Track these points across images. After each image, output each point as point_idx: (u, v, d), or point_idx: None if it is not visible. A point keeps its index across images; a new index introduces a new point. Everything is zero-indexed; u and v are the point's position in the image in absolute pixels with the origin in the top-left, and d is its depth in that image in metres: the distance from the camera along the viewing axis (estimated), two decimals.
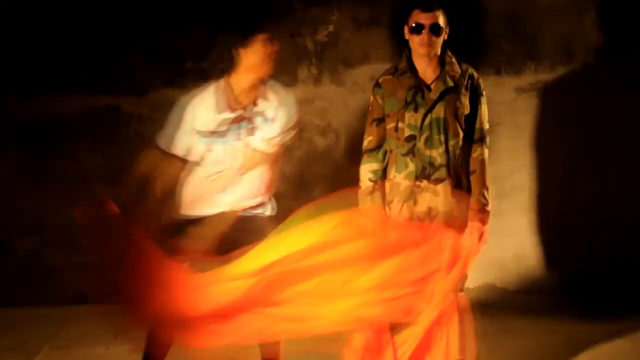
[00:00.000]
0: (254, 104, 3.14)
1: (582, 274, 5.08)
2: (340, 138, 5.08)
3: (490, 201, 3.35)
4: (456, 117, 3.28)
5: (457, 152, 3.30)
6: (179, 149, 3.18)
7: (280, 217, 5.04)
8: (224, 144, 3.17)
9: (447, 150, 3.28)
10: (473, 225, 3.33)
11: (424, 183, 3.29)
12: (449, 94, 3.28)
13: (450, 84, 3.27)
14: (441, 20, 3.24)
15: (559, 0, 5.02)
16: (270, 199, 3.44)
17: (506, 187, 4.97)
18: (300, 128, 5.01)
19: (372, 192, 3.35)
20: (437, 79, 3.29)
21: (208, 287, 2.97)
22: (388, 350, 3.13)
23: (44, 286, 4.90)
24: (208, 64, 4.96)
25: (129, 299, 2.96)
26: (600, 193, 5.08)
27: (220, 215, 3.24)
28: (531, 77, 5.06)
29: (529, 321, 4.55)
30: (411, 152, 3.28)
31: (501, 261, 5.09)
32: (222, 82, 3.18)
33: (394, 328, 3.16)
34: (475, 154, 3.34)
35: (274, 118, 3.20)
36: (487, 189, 3.34)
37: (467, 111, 3.31)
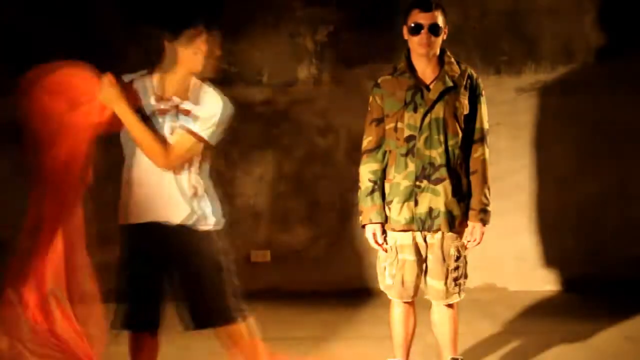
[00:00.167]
0: (181, 99, 3.07)
1: (582, 273, 5.09)
2: (340, 138, 5.08)
3: (490, 201, 3.36)
4: (455, 117, 3.28)
5: (457, 152, 3.30)
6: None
7: (280, 217, 5.12)
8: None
9: (446, 150, 3.28)
10: (474, 226, 3.34)
11: (424, 183, 3.29)
12: (449, 94, 3.27)
13: (450, 84, 3.27)
14: (440, 20, 3.23)
15: (559, 0, 5.03)
16: (196, 212, 3.16)
17: (506, 187, 4.97)
18: (300, 128, 5.08)
19: (371, 192, 3.35)
20: (436, 79, 3.29)
21: None
22: None
23: None
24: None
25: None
26: (600, 193, 5.08)
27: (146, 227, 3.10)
28: (531, 77, 5.06)
29: (529, 321, 4.55)
30: (411, 152, 3.28)
31: (501, 261, 5.09)
32: (155, 72, 3.12)
33: None
34: (476, 154, 3.34)
35: (198, 116, 3.07)
36: (488, 189, 3.34)
37: (466, 111, 3.31)
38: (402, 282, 3.37)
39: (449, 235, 3.33)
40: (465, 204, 3.34)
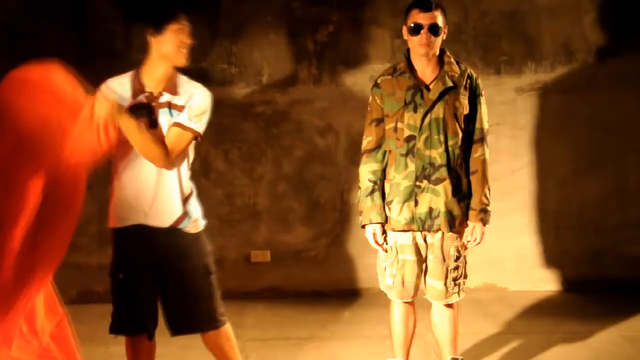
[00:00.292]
0: (161, 93, 3.07)
1: (582, 273, 5.09)
2: (340, 138, 5.08)
3: (490, 201, 3.36)
4: (455, 117, 3.28)
5: (457, 152, 3.30)
6: None
7: (280, 217, 5.12)
8: None
9: (446, 150, 3.28)
10: (474, 226, 3.34)
11: (424, 183, 3.29)
12: (448, 94, 3.27)
13: (450, 84, 3.27)
14: (440, 20, 3.23)
15: (559, 0, 5.02)
16: (188, 214, 3.14)
17: (506, 187, 4.98)
18: (300, 128, 5.08)
19: (371, 192, 3.35)
20: (436, 79, 3.29)
21: None
22: None
23: None
24: (208, 63, 4.98)
25: None
26: (600, 193, 5.08)
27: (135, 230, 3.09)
28: (531, 77, 5.06)
29: (529, 321, 4.55)
30: (411, 152, 3.28)
31: (501, 261, 5.09)
32: (141, 69, 3.09)
33: None
34: (476, 154, 3.34)
35: (183, 106, 3.06)
36: (488, 189, 3.35)
37: (466, 111, 3.31)
38: (402, 282, 3.37)
39: (449, 235, 3.33)
40: (465, 204, 3.34)
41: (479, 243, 3.37)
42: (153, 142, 2.99)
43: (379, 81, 3.37)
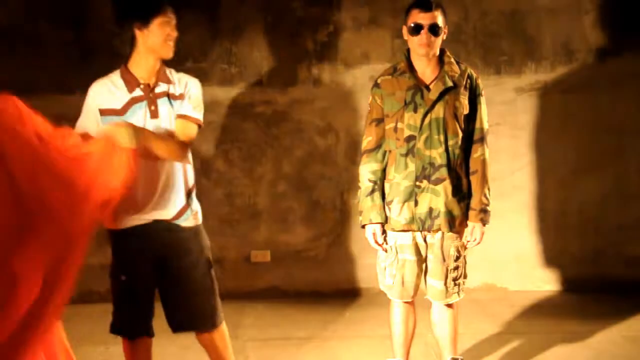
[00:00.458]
0: (157, 84, 3.08)
1: (582, 273, 5.08)
2: (340, 138, 5.08)
3: (490, 201, 3.36)
4: (455, 117, 3.28)
5: (457, 152, 3.30)
6: (77, 130, 3.03)
7: (280, 217, 5.12)
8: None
9: (447, 150, 3.28)
10: (474, 226, 3.34)
11: (424, 183, 3.29)
12: (448, 94, 3.27)
13: (450, 84, 3.27)
14: (440, 20, 3.23)
15: (559, 0, 5.02)
16: (190, 206, 3.16)
17: (506, 187, 4.98)
18: (300, 128, 5.08)
19: (371, 192, 3.35)
20: (436, 79, 3.29)
21: None
22: None
23: None
24: (208, 63, 4.98)
25: None
26: (600, 193, 5.08)
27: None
28: (531, 77, 5.06)
29: (529, 321, 4.55)
30: (411, 152, 3.28)
31: (501, 261, 5.09)
32: (130, 64, 3.08)
33: None
34: (476, 154, 3.34)
35: (182, 95, 3.09)
36: (488, 189, 3.35)
37: (466, 111, 3.31)
38: (402, 282, 3.37)
39: (449, 235, 3.33)
40: (465, 204, 3.34)
41: (478, 243, 3.37)
42: (174, 143, 3.03)
43: (379, 81, 3.37)
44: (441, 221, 3.29)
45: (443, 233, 3.32)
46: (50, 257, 2.62)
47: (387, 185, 3.35)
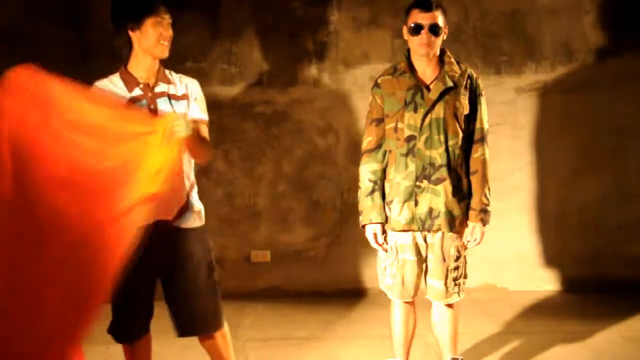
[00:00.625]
0: (156, 83, 3.07)
1: (582, 273, 5.09)
2: (340, 138, 5.08)
3: (491, 201, 3.36)
4: (456, 117, 3.28)
5: (457, 152, 3.30)
6: None
7: (280, 217, 5.12)
8: None
9: (447, 150, 3.27)
10: (474, 226, 3.34)
11: (425, 183, 3.29)
12: (449, 94, 3.27)
13: (450, 84, 3.27)
14: (440, 20, 3.23)
15: (559, 0, 5.02)
16: (191, 206, 3.14)
17: (506, 187, 4.98)
18: (300, 128, 5.08)
19: (371, 192, 3.35)
20: (436, 79, 3.28)
21: None
22: None
23: None
24: (208, 63, 4.98)
25: None
26: (600, 193, 5.08)
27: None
28: (531, 77, 5.06)
29: (529, 321, 4.55)
30: (411, 152, 3.28)
31: (501, 261, 5.09)
32: (128, 65, 3.08)
33: None
34: (476, 154, 3.34)
35: (185, 96, 3.09)
36: (488, 189, 3.35)
37: (466, 111, 3.31)
38: (402, 282, 3.37)
39: (449, 235, 3.33)
40: (465, 204, 3.34)
41: (479, 243, 3.37)
42: (207, 143, 3.10)
43: (379, 81, 3.37)
44: (441, 221, 3.29)
45: (443, 233, 3.32)
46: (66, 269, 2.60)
47: (387, 185, 3.35)
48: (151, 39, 3.01)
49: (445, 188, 3.28)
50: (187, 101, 3.09)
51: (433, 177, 3.28)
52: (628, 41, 5.01)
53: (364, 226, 3.40)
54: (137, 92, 3.04)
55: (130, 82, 3.05)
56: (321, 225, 5.12)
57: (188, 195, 3.12)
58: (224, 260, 4.96)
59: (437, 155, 3.27)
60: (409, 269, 3.35)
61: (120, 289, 3.08)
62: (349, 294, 5.03)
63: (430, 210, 3.29)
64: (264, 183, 5.10)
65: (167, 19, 3.05)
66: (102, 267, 2.64)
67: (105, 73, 3.12)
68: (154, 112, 3.03)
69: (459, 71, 3.31)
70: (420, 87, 3.28)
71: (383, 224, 3.35)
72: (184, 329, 3.16)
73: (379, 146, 3.35)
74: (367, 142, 3.37)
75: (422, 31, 3.21)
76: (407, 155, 3.29)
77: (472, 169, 3.35)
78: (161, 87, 3.07)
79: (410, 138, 3.27)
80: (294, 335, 4.36)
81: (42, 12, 4.89)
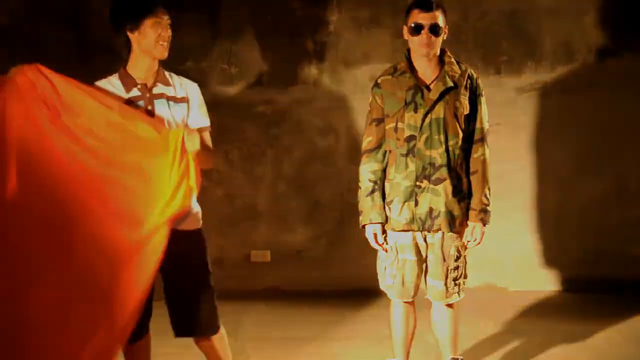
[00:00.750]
0: (155, 84, 3.07)
1: (582, 273, 5.08)
2: (340, 138, 5.08)
3: (491, 201, 3.36)
4: (456, 117, 3.28)
5: (457, 152, 3.30)
6: None
7: (280, 217, 5.12)
8: None
9: (447, 150, 3.27)
10: (474, 226, 3.34)
11: (425, 183, 3.29)
12: (449, 94, 3.27)
13: (450, 84, 3.27)
14: (440, 20, 3.23)
15: (559, 0, 5.02)
16: (194, 205, 3.14)
17: (506, 187, 4.97)
18: (300, 128, 5.08)
19: (372, 192, 3.35)
20: (436, 79, 3.28)
21: None
22: None
23: None
24: (208, 63, 4.98)
25: None
26: (600, 193, 5.08)
27: None
28: (531, 77, 5.06)
29: (529, 321, 4.55)
30: (411, 152, 3.28)
31: (501, 261, 5.09)
32: (127, 66, 3.09)
33: None
34: (476, 154, 3.34)
35: (184, 99, 3.09)
36: (488, 189, 3.35)
37: (466, 111, 3.31)
38: (402, 282, 3.37)
39: (449, 235, 3.33)
40: (465, 204, 3.34)
41: (479, 243, 3.37)
42: (210, 150, 3.11)
43: (379, 81, 3.37)
44: (441, 221, 3.29)
45: (443, 233, 3.32)
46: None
47: (387, 185, 3.35)
48: (150, 40, 3.01)
49: (445, 188, 3.28)
50: (187, 104, 3.09)
51: (433, 177, 3.28)
52: (628, 41, 5.01)
53: (364, 226, 3.40)
54: (134, 92, 3.04)
55: (128, 82, 3.04)
56: (321, 225, 5.12)
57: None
58: (224, 260, 4.96)
59: (437, 155, 3.27)
60: (409, 269, 3.35)
61: None
62: (349, 294, 5.03)
63: (430, 210, 3.29)
64: (264, 183, 5.11)
65: (165, 19, 3.04)
66: (127, 290, 2.75)
67: (105, 73, 3.12)
68: (151, 113, 3.03)
69: (459, 71, 3.31)
70: (420, 87, 3.28)
71: (383, 224, 3.35)
72: (179, 330, 3.17)
73: (379, 146, 3.35)
74: (367, 142, 3.37)
75: (423, 31, 3.21)
76: (407, 155, 3.29)
77: (472, 169, 3.35)
78: (159, 89, 3.07)
79: (411, 138, 3.27)
80: (294, 335, 4.36)
81: (42, 12, 4.89)
